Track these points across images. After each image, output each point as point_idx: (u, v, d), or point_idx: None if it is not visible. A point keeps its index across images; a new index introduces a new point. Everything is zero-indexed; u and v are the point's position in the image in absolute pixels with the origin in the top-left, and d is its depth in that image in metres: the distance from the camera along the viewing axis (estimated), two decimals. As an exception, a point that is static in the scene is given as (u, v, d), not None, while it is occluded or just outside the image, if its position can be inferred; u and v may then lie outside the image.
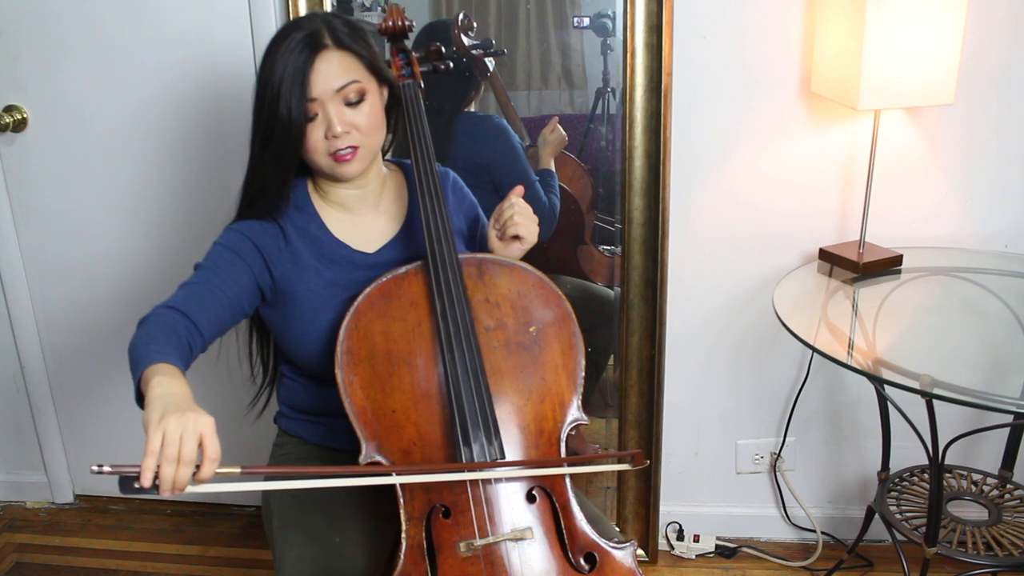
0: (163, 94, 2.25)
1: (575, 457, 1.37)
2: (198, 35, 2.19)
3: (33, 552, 2.54)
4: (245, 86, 2.18)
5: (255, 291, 1.48)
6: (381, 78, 1.49)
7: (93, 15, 2.21)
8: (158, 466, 1.10)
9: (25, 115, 2.33)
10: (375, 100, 1.47)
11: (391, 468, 1.34)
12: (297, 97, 1.39)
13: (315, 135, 1.43)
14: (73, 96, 2.29)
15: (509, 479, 1.37)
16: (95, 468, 1.08)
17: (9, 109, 2.32)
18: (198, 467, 1.13)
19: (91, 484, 2.72)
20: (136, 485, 1.09)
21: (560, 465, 1.40)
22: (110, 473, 1.08)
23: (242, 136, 1.52)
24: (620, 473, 2.32)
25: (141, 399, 1.22)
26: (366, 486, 1.39)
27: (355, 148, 1.44)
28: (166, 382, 1.19)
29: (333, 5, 2.11)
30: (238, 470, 1.16)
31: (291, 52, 1.40)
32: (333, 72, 1.41)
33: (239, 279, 1.45)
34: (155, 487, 1.10)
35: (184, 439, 1.10)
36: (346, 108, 1.43)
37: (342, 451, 1.56)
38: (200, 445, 1.12)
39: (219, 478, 1.14)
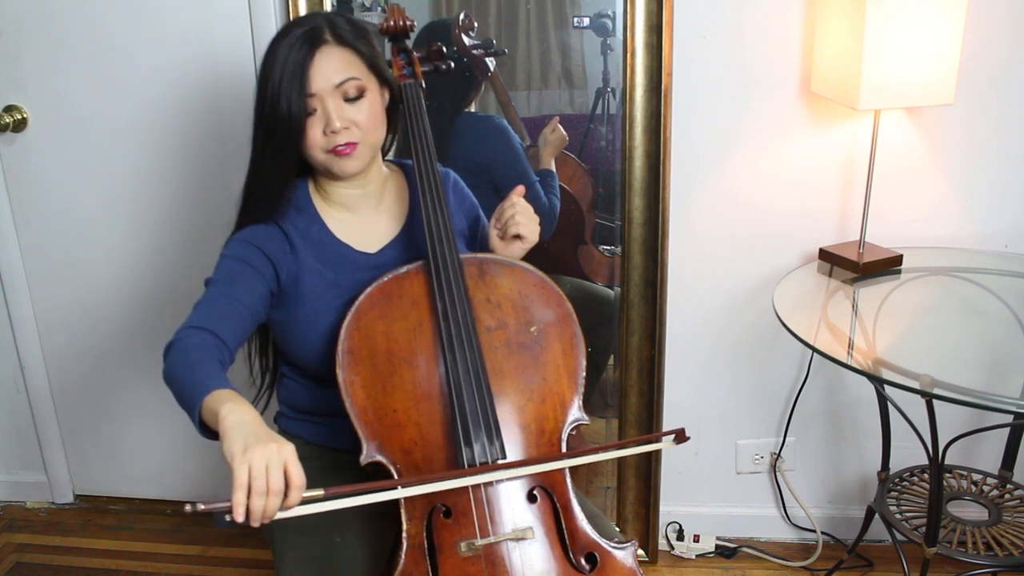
0: (163, 94, 2.25)
1: (618, 442, 1.37)
2: (198, 35, 2.19)
3: (33, 552, 2.54)
4: (245, 86, 2.18)
5: (268, 297, 1.49)
6: (381, 77, 1.49)
7: (93, 15, 2.21)
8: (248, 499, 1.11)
9: (25, 115, 2.33)
10: (375, 98, 1.47)
11: (468, 472, 1.33)
12: (296, 92, 1.39)
13: (314, 130, 1.43)
14: (73, 96, 2.29)
15: (510, 479, 1.37)
16: (189, 508, 1.09)
17: (9, 109, 2.32)
18: (285, 494, 1.14)
19: (91, 484, 2.72)
20: (228, 519, 1.11)
21: (595, 452, 1.40)
22: (204, 511, 1.09)
23: (242, 136, 1.52)
24: (620, 473, 2.32)
25: (203, 426, 1.24)
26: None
27: (354, 144, 1.44)
28: (237, 409, 1.19)
29: (333, 5, 2.11)
30: (321, 492, 1.19)
31: (291, 48, 1.40)
32: (332, 68, 1.42)
33: (253, 288, 1.45)
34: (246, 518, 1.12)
35: (270, 471, 1.11)
36: (345, 104, 1.43)
37: (343, 451, 1.56)
38: (284, 472, 1.13)
39: (305, 502, 1.16)
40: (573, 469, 1.41)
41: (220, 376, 1.28)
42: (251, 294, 1.45)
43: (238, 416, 1.17)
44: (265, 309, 1.49)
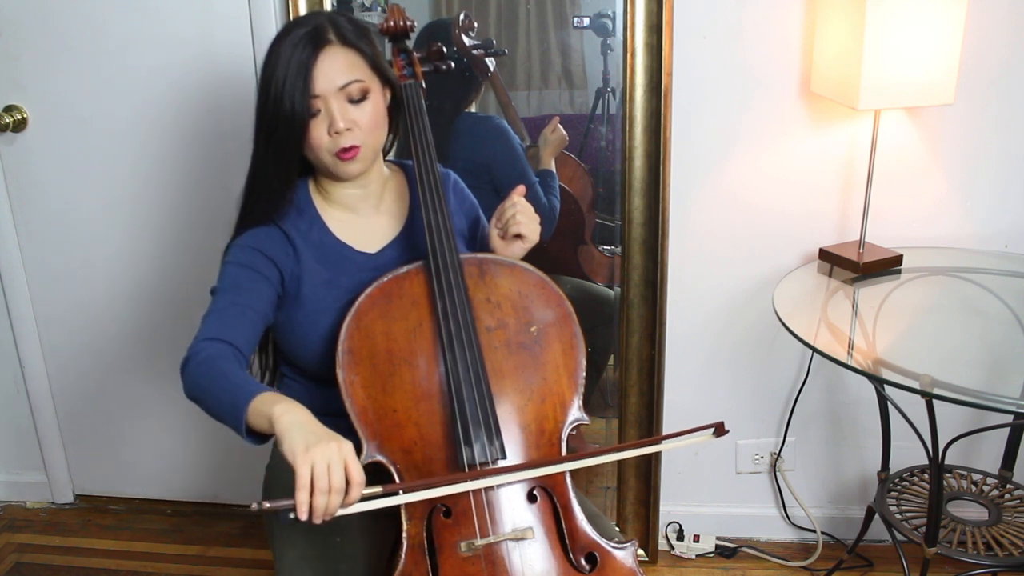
0: (163, 94, 2.25)
1: (656, 437, 1.38)
2: (198, 36, 2.19)
3: (33, 552, 2.54)
4: (245, 87, 2.18)
5: (275, 300, 1.48)
6: (384, 77, 1.49)
7: (93, 15, 2.21)
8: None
9: (25, 115, 2.33)
10: (377, 99, 1.47)
11: (511, 468, 1.34)
12: (300, 92, 1.39)
13: (318, 131, 1.43)
14: (73, 96, 2.29)
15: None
16: (255, 506, 1.15)
17: (9, 109, 2.32)
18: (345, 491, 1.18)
19: (91, 484, 2.72)
20: (291, 516, 1.15)
21: (638, 447, 1.41)
22: (268, 510, 1.15)
23: (242, 136, 1.52)
24: (620, 473, 2.32)
25: (249, 431, 1.26)
26: (368, 486, 1.38)
27: (357, 147, 1.44)
28: (290, 409, 1.21)
29: (333, 5, 2.11)
30: (379, 489, 1.23)
31: (295, 48, 1.40)
32: (336, 69, 1.41)
33: (261, 293, 1.45)
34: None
35: (332, 469, 1.15)
36: (349, 105, 1.43)
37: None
38: (344, 470, 1.17)
39: (364, 498, 1.21)
40: (573, 470, 1.41)
41: (255, 381, 1.31)
42: (260, 299, 1.45)
43: (293, 416, 1.20)
44: (273, 313, 1.49)
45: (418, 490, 1.30)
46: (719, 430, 1.37)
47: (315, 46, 1.40)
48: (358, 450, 1.36)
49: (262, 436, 1.26)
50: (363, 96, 1.44)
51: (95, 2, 2.20)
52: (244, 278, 1.45)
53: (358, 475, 1.17)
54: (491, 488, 1.35)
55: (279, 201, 1.49)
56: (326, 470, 1.14)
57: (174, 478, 2.66)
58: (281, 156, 1.45)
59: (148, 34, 2.21)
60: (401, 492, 1.29)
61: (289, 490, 1.55)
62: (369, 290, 1.44)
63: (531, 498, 1.38)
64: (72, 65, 2.26)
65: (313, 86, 1.40)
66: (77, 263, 2.46)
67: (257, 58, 2.16)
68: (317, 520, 1.16)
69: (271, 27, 2.13)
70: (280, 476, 1.64)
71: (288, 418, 1.20)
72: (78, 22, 2.22)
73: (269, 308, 1.46)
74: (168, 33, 2.20)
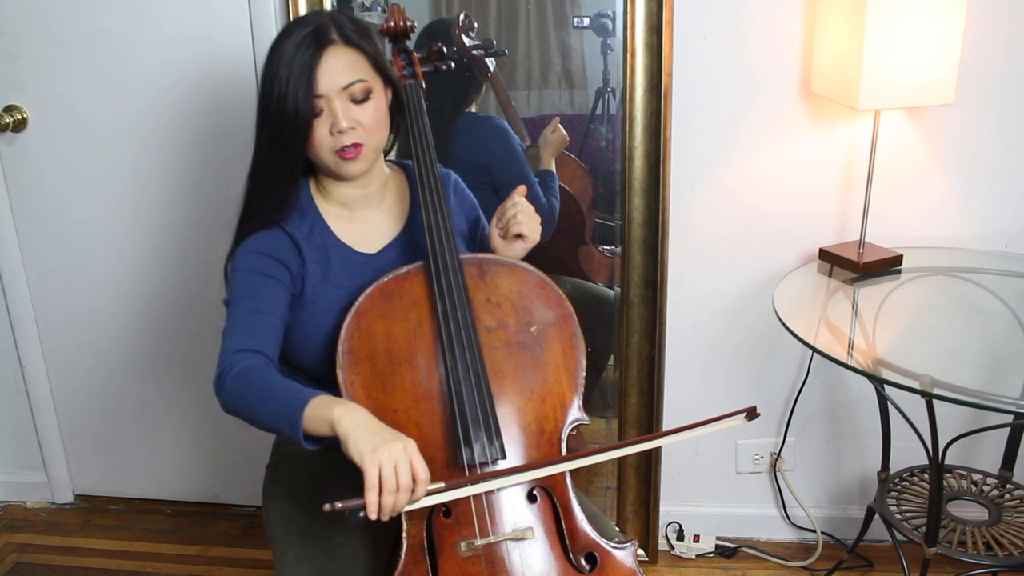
0: (163, 94, 2.25)
1: (688, 425, 1.38)
2: (198, 36, 2.19)
3: (33, 552, 2.54)
4: (246, 87, 2.18)
5: (290, 302, 1.48)
6: (386, 77, 1.49)
7: (93, 15, 2.21)
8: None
9: (25, 115, 2.33)
10: (380, 99, 1.47)
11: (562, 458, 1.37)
12: (304, 92, 1.39)
13: (321, 131, 1.43)
14: (73, 96, 2.29)
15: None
16: (328, 507, 1.18)
17: (9, 109, 2.32)
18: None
19: (91, 484, 2.72)
20: (361, 515, 1.20)
21: (657, 438, 1.41)
22: (340, 510, 1.19)
23: (242, 136, 1.52)
24: (620, 473, 2.32)
25: (306, 436, 1.28)
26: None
27: (359, 146, 1.44)
28: (351, 410, 1.25)
29: (333, 5, 2.11)
30: (443, 485, 1.27)
31: (298, 47, 1.39)
32: (339, 69, 1.41)
33: (278, 297, 1.45)
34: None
35: (399, 469, 1.19)
36: (351, 105, 1.43)
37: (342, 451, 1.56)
38: (410, 467, 1.21)
39: (428, 493, 1.25)
40: (573, 469, 1.41)
41: (301, 386, 1.32)
42: (279, 304, 1.45)
43: (354, 416, 1.23)
44: (290, 314, 1.48)
45: (479, 482, 1.32)
46: (751, 414, 1.39)
47: (318, 46, 1.40)
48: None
49: (318, 439, 1.28)
50: (366, 96, 1.44)
51: (95, 2, 2.20)
52: (260, 284, 1.44)
53: (423, 472, 1.21)
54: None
55: (283, 202, 1.49)
56: (393, 470, 1.18)
57: (174, 478, 2.66)
58: (285, 156, 1.45)
59: (148, 34, 2.21)
60: (468, 485, 1.32)
61: (286, 498, 1.57)
62: (369, 290, 1.44)
63: (531, 498, 1.38)
64: (72, 65, 2.26)
65: (316, 86, 1.40)
66: (77, 263, 2.46)
67: (257, 58, 2.16)
68: (385, 518, 1.20)
69: (271, 27, 2.13)
70: (280, 476, 1.64)
71: (350, 419, 1.23)
72: (78, 22, 2.22)
73: (287, 311, 1.47)
74: (168, 33, 2.20)
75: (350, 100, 1.43)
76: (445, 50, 1.62)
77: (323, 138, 1.43)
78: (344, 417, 1.23)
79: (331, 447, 1.32)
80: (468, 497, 1.34)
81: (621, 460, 2.30)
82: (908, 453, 2.10)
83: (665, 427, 2.26)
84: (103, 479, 2.71)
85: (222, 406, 1.35)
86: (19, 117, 2.32)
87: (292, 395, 1.29)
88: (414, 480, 1.21)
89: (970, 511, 2.01)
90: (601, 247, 2.30)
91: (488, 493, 1.35)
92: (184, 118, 2.27)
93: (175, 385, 2.54)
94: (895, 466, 2.15)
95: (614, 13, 2.07)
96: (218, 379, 1.35)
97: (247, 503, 2.66)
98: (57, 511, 2.72)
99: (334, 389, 1.39)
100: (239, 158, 1.53)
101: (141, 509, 2.69)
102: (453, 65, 1.64)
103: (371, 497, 1.18)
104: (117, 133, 2.31)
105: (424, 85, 1.57)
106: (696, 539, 2.42)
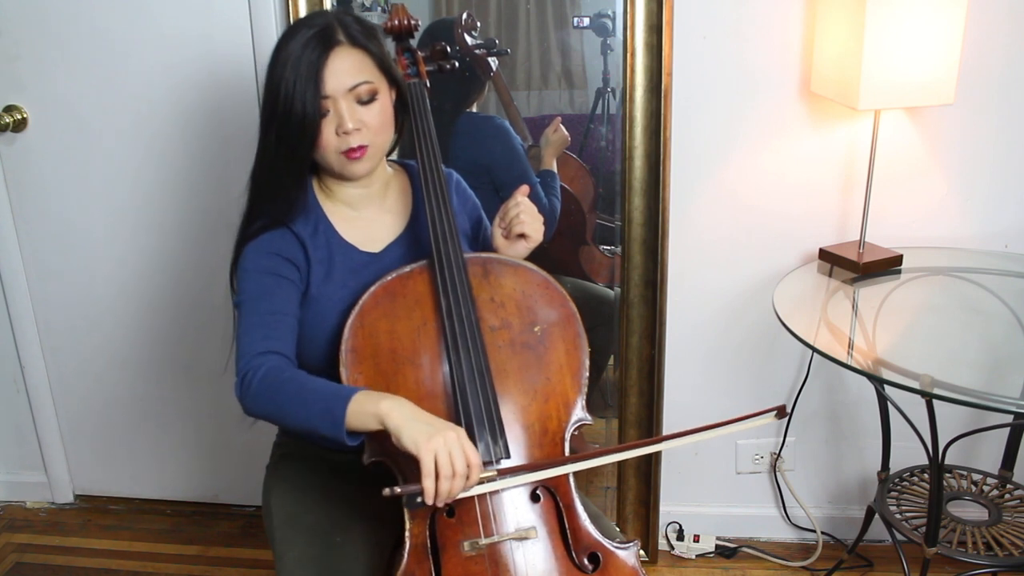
0: (164, 95, 2.25)
1: (717, 423, 1.40)
2: (198, 37, 2.19)
3: (33, 552, 2.53)
4: (246, 87, 2.18)
5: (301, 301, 1.48)
6: (391, 78, 1.49)
7: (93, 15, 2.21)
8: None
9: (25, 115, 2.33)
10: (385, 99, 1.47)
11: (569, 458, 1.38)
12: (311, 93, 1.39)
13: (327, 131, 1.43)
14: (73, 96, 2.29)
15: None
16: (387, 492, 1.25)
17: (9, 109, 2.31)
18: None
19: (91, 484, 2.72)
20: (419, 500, 1.25)
21: (687, 435, 1.44)
22: (399, 494, 1.25)
23: (243, 137, 1.52)
24: (620, 473, 2.32)
25: (348, 432, 1.30)
26: (369, 485, 1.38)
27: (365, 147, 1.44)
28: (398, 404, 1.28)
29: (333, 5, 2.11)
30: (495, 473, 1.32)
31: (304, 48, 1.39)
32: (346, 70, 1.41)
33: (291, 296, 1.45)
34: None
35: (454, 456, 1.23)
36: (357, 106, 1.43)
37: (346, 450, 1.56)
38: (463, 454, 1.25)
39: (481, 481, 1.29)
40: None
41: (335, 384, 1.34)
42: (292, 304, 1.45)
43: (403, 409, 1.27)
44: (302, 314, 1.48)
45: (524, 472, 1.35)
46: (781, 412, 1.42)
47: (325, 47, 1.40)
48: (361, 449, 1.37)
49: (358, 434, 1.30)
50: (371, 97, 1.44)
51: (95, 2, 2.19)
52: (273, 285, 1.44)
53: (476, 458, 1.25)
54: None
55: (291, 202, 1.48)
56: (448, 458, 1.22)
57: (174, 478, 2.66)
58: (292, 158, 1.44)
59: (148, 34, 2.21)
60: (523, 473, 1.35)
61: (286, 497, 1.57)
62: (373, 289, 1.44)
63: (534, 498, 1.38)
64: (72, 65, 2.26)
65: (323, 87, 1.40)
66: (77, 263, 2.45)
67: (257, 58, 2.16)
68: (441, 503, 1.25)
69: (271, 27, 2.13)
70: (281, 476, 1.64)
71: (399, 412, 1.26)
72: (78, 22, 2.22)
73: (299, 311, 1.47)
74: (168, 33, 2.19)
75: (356, 101, 1.43)
76: (448, 49, 1.62)
77: (329, 139, 1.43)
78: (393, 411, 1.25)
79: (338, 448, 1.32)
80: (472, 496, 1.34)
81: (621, 460, 2.30)
82: (908, 453, 2.11)
83: (665, 427, 2.26)
84: (103, 479, 2.71)
85: (247, 410, 1.36)
86: (19, 117, 2.32)
87: (332, 393, 1.30)
88: (469, 466, 1.24)
89: (970, 511, 2.01)
90: (601, 247, 2.30)
91: (492, 493, 1.35)
92: (184, 118, 2.27)
93: (175, 385, 2.54)
94: (895, 466, 2.15)
95: (614, 13, 2.07)
96: (241, 383, 1.35)
97: (247, 503, 2.65)
98: (57, 511, 2.71)
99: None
100: (239, 158, 1.54)
101: (141, 509, 2.69)
102: (457, 64, 1.63)
103: (428, 484, 1.22)
104: (117, 133, 2.31)
105: (428, 84, 1.57)
106: (696, 539, 2.42)
